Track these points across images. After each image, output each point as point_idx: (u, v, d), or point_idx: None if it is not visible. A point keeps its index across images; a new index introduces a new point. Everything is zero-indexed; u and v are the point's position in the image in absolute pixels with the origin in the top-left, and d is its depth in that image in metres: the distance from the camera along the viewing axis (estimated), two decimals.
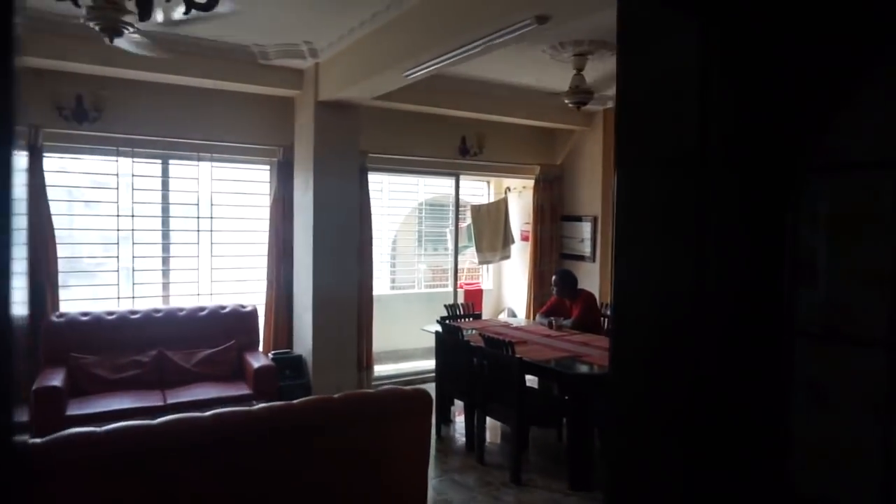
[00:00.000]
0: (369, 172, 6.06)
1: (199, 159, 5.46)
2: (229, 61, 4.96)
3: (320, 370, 5.33)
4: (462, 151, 6.64)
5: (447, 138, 6.54)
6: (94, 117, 4.87)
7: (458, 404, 5.07)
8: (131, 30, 3.03)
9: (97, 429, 2.21)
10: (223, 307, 5.31)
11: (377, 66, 4.25)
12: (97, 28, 2.98)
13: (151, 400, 4.41)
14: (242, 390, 4.73)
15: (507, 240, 7.45)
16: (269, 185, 5.80)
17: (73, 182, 5.20)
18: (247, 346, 5.19)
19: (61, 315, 4.71)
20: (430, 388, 5.63)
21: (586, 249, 6.99)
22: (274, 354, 5.39)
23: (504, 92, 6.06)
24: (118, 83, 4.93)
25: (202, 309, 5.23)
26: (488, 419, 4.49)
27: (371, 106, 5.55)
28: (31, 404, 4.08)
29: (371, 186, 6.21)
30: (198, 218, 5.56)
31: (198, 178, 5.53)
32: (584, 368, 4.02)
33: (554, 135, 7.29)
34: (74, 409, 4.16)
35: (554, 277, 5.44)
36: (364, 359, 6.09)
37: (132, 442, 2.20)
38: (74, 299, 5.13)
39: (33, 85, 4.67)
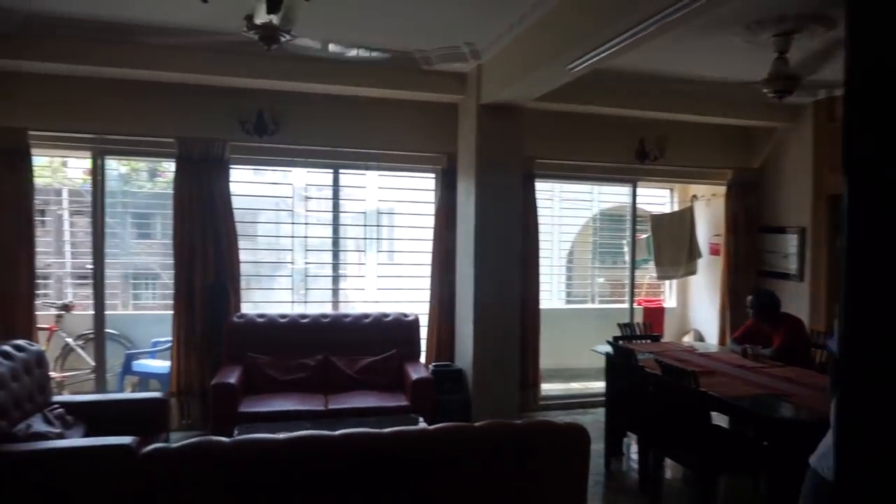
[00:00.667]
0: (536, 179, 5.72)
1: (367, 168, 5.53)
2: (394, 69, 4.94)
3: (481, 386, 5.07)
4: (640, 156, 6.02)
5: (623, 142, 5.97)
6: (273, 130, 5.13)
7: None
8: (286, 38, 3.05)
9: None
10: (386, 315, 5.29)
11: (539, 61, 3.91)
12: (256, 37, 3.04)
13: (314, 403, 4.46)
14: (400, 401, 4.63)
15: (693, 253, 6.63)
16: (433, 193, 5.71)
17: (253, 192, 5.53)
18: (408, 357, 5.11)
19: (241, 316, 4.99)
20: (601, 413, 5.15)
21: (791, 266, 5.96)
22: (434, 367, 5.25)
23: (688, 87, 5.37)
24: (294, 97, 5.15)
25: (366, 316, 5.26)
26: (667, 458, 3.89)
27: (537, 109, 5.22)
28: (210, 398, 4.33)
29: (540, 195, 5.87)
30: (365, 226, 5.63)
31: (366, 186, 5.60)
32: (788, 411, 3.28)
33: (750, 134, 6.36)
34: (247, 406, 4.33)
35: (750, 298, 4.64)
36: (529, 376, 5.74)
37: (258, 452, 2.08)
38: (253, 301, 5.43)
39: (221, 102, 5.03)
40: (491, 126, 4.94)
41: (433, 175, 5.69)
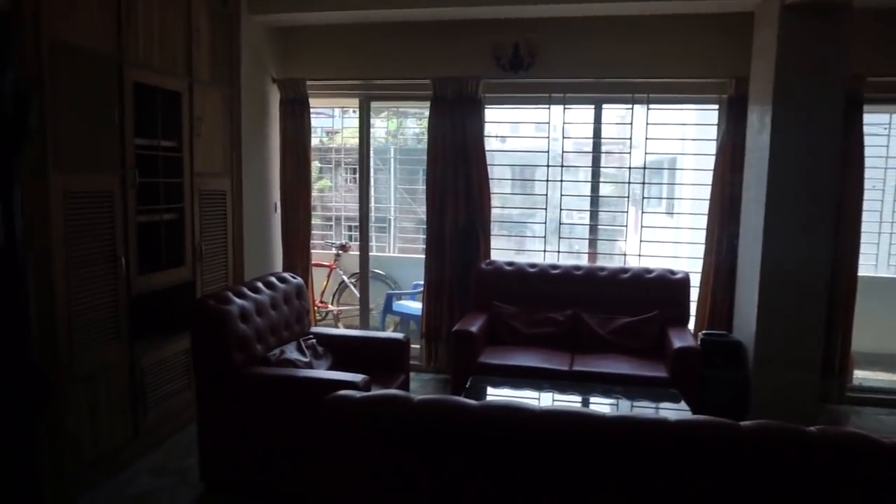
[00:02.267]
0: (865, 105, 4.33)
1: (634, 101, 4.78)
2: None
3: (766, 365, 4.09)
4: None
5: None
6: (529, 63, 4.70)
7: None
8: None
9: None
10: (649, 271, 4.58)
11: None
12: None
13: (559, 362, 4.05)
14: (658, 371, 3.95)
15: None
16: (716, 128, 4.72)
17: (508, 133, 5.21)
18: (672, 321, 4.36)
19: (490, 263, 4.77)
20: None
21: None
22: (705, 335, 4.39)
23: None
24: (551, 24, 4.63)
25: (625, 271, 4.62)
26: None
27: (868, 6, 3.87)
28: (450, 345, 4.22)
29: (870, 128, 4.46)
30: (629, 168, 4.93)
31: (632, 122, 4.87)
32: None
33: None
34: (487, 357, 4.11)
35: None
36: (836, 360, 4.52)
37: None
38: (504, 249, 5.18)
39: (475, 38, 4.76)
40: (799, 34, 3.79)
41: (716, 106, 4.69)
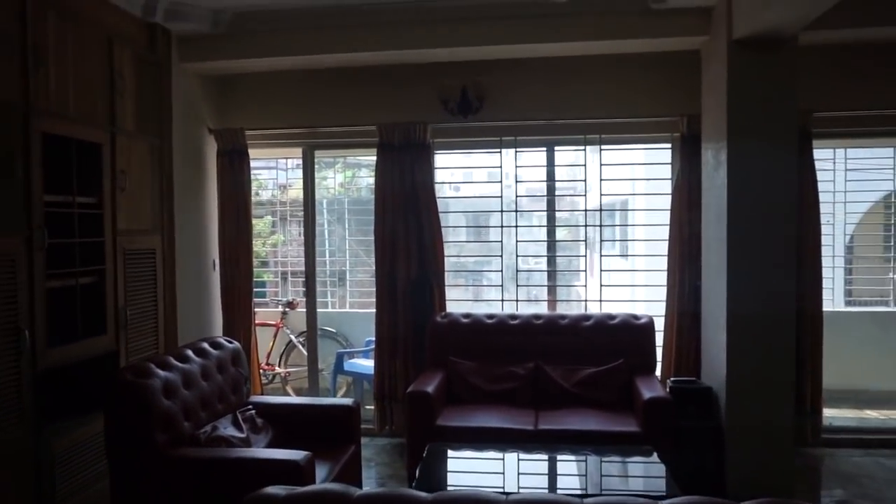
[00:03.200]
0: (814, 140, 4.32)
1: (587, 142, 4.68)
2: (617, 13, 4.02)
3: (738, 409, 3.87)
4: None
5: None
6: (477, 107, 4.56)
7: None
8: None
9: None
10: (612, 317, 4.39)
11: None
12: None
13: (523, 422, 3.76)
14: (629, 426, 3.70)
15: None
16: (670, 167, 4.64)
17: (458, 179, 5.03)
18: (639, 369, 4.15)
19: (445, 315, 4.50)
20: None
21: None
22: (673, 382, 4.17)
23: None
24: (499, 66, 4.53)
25: (587, 318, 4.41)
26: None
27: (813, 43, 3.88)
28: (406, 407, 3.88)
29: (820, 164, 4.45)
30: (585, 211, 4.78)
31: (585, 164, 4.75)
32: None
33: None
34: (446, 419, 3.80)
35: None
36: (808, 398, 4.37)
37: None
38: (460, 300, 4.93)
39: (421, 82, 4.62)
40: (748, 70, 3.74)
41: (669, 145, 4.63)
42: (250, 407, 3.38)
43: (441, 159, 4.91)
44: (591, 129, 4.60)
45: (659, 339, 4.44)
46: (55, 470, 3.05)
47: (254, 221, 5.02)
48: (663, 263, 4.55)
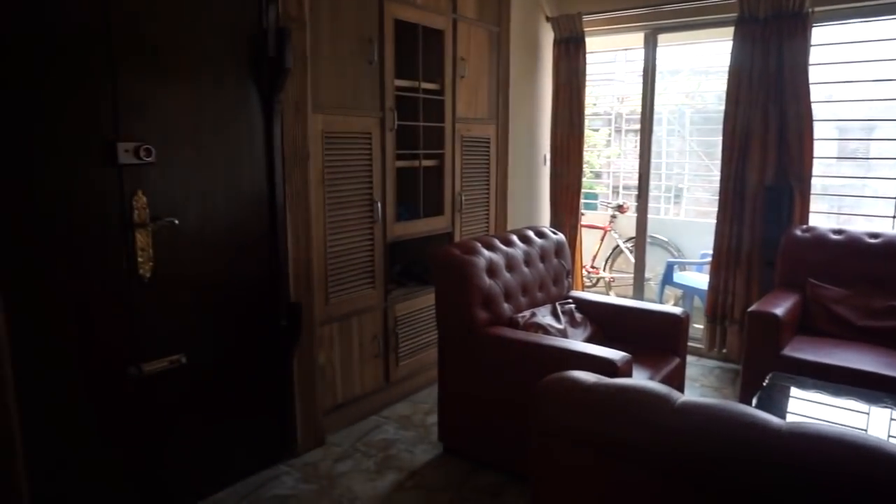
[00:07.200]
0: None
1: None
2: None
3: None
4: None
5: None
6: None
7: None
8: None
9: None
10: None
11: None
12: None
13: None
14: None
15: None
16: None
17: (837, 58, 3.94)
18: None
19: (807, 229, 3.69)
20: None
21: None
22: None
23: None
24: None
25: None
26: None
27: None
28: (744, 329, 3.33)
29: None
30: None
31: None
32: None
33: None
34: (795, 349, 3.15)
35: None
36: None
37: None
38: (827, 212, 3.99)
39: None
40: None
41: None
42: (570, 301, 3.28)
43: (820, 34, 3.88)
44: None
45: None
46: (398, 329, 3.43)
47: (589, 133, 4.76)
48: None
